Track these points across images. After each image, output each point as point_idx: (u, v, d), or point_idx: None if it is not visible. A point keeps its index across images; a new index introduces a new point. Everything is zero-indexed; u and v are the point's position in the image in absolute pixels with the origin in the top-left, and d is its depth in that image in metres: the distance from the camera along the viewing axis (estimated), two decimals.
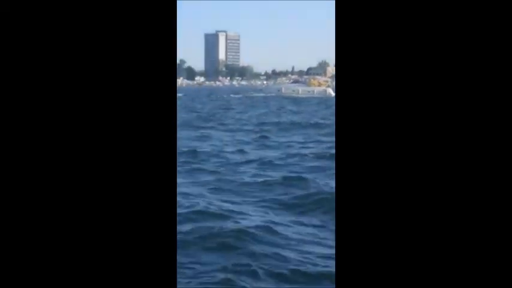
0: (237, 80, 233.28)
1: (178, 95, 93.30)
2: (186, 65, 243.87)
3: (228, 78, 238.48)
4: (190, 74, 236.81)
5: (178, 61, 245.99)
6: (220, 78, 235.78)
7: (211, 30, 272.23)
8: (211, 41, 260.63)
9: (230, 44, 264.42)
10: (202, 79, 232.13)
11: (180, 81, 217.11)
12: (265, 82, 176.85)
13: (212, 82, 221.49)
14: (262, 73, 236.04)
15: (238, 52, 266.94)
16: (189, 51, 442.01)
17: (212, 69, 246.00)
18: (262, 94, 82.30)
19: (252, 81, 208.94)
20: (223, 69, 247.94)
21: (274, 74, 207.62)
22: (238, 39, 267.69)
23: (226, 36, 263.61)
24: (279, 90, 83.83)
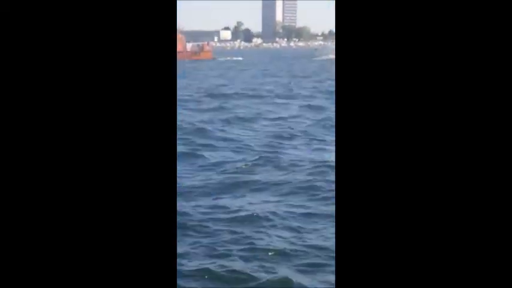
0: (294, 41, 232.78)
1: (238, 58, 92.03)
2: (243, 27, 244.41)
3: (285, 39, 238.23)
4: (248, 36, 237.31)
5: (235, 23, 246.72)
6: (277, 39, 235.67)
7: None
8: (268, 2, 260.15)
9: (287, 5, 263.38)
10: (259, 41, 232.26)
11: (238, 43, 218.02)
12: (321, 43, 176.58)
13: (270, 44, 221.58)
14: (319, 34, 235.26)
15: (295, 13, 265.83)
16: (246, 13, 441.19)
17: (269, 30, 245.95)
18: (324, 57, 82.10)
19: (309, 42, 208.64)
20: (280, 30, 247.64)
21: (331, 35, 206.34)
22: (296, 0, 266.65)
23: None
24: (333, 50, 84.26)
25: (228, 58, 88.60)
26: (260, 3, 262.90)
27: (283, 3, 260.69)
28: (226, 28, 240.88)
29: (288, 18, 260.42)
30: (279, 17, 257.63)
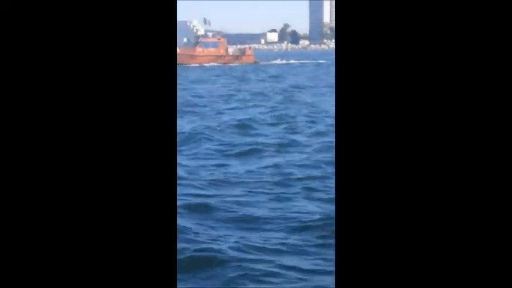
0: None
1: (290, 61, 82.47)
2: (290, 29, 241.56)
3: (333, 40, 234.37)
4: (294, 37, 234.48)
5: (282, 25, 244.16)
6: (325, 40, 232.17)
7: None
8: (315, 3, 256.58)
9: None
10: (306, 42, 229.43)
11: (285, 46, 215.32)
12: None
13: (317, 45, 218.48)
14: None
15: None
16: (293, 14, 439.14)
17: (316, 31, 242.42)
18: None
19: None
20: (328, 31, 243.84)
21: None
22: None
23: None
24: None
25: (273, 62, 77.92)
26: (307, 4, 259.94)
27: (330, 3, 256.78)
28: (273, 30, 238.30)
29: None
30: (326, 17, 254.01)
